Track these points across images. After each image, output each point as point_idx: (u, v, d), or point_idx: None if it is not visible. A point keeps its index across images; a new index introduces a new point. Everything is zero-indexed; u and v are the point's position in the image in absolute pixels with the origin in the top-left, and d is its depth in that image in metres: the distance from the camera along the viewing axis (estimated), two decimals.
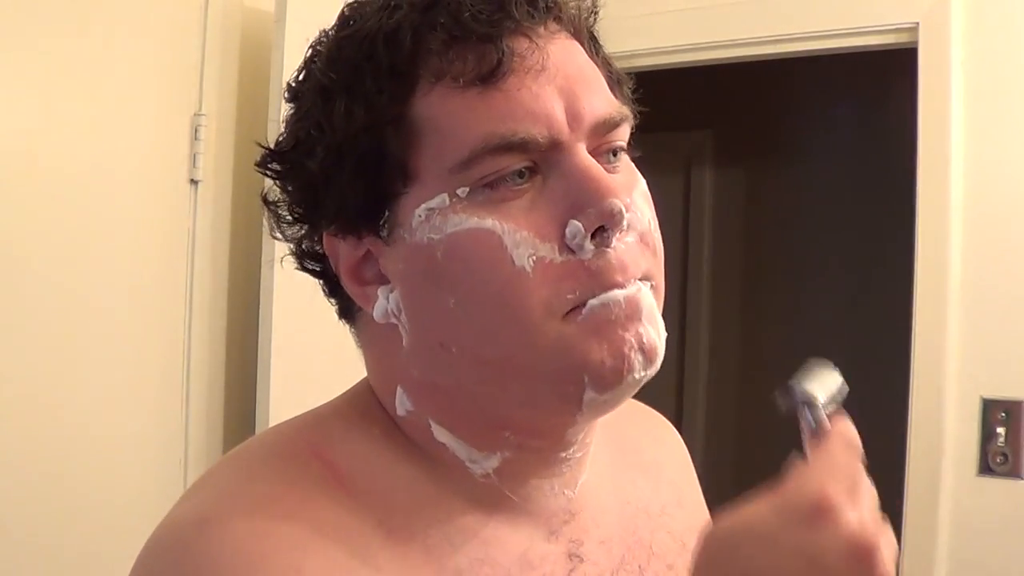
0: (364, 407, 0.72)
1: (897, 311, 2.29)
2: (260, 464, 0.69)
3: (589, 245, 0.65)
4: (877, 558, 0.55)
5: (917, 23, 2.16)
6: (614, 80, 0.74)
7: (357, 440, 0.70)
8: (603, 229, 0.65)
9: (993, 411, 2.07)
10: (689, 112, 3.69)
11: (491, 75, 0.65)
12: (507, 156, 0.65)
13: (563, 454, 0.71)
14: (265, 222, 0.74)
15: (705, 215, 3.83)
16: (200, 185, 2.03)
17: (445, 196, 0.65)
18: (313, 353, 1.83)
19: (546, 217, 0.65)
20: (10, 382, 1.75)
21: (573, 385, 0.65)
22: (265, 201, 0.73)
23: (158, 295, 1.98)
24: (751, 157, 3.77)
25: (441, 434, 0.70)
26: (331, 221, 0.69)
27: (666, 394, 3.74)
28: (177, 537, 0.63)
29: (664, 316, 0.69)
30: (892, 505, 2.31)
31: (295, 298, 1.85)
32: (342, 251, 0.70)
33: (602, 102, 0.69)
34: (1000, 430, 2.06)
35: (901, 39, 2.22)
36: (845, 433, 0.62)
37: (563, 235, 0.64)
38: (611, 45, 0.74)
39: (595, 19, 0.74)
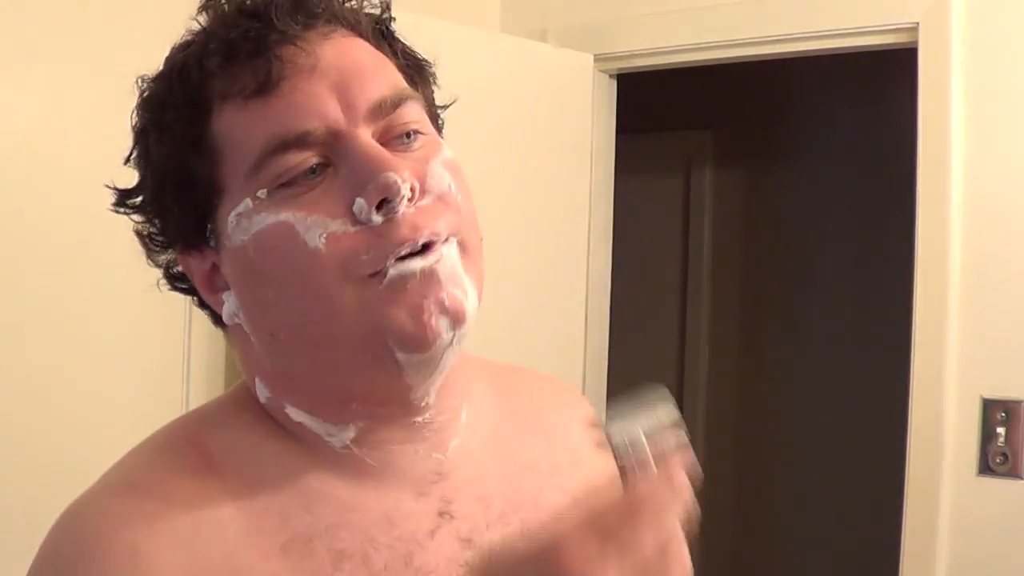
0: (240, 398, 0.79)
1: (897, 311, 2.29)
2: (141, 455, 0.77)
3: (376, 217, 0.69)
4: None
5: (917, 23, 2.16)
6: (410, 67, 0.79)
7: (231, 427, 0.77)
8: (386, 201, 0.69)
9: (993, 411, 2.07)
10: (689, 112, 3.70)
11: (266, 84, 0.71)
12: (291, 153, 0.70)
13: (418, 419, 0.76)
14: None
15: (705, 215, 3.82)
16: None
17: (248, 200, 0.72)
18: None
19: (336, 200, 0.70)
20: (10, 381, 1.75)
21: (381, 349, 0.70)
22: (138, 235, 0.80)
23: (158, 295, 1.97)
24: (751, 157, 3.77)
25: (297, 415, 0.75)
26: (176, 241, 0.78)
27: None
28: (56, 523, 0.72)
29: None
30: (892, 505, 2.29)
31: None
32: (193, 266, 0.77)
33: (377, 87, 0.73)
34: (1000, 430, 2.06)
35: (901, 39, 2.22)
36: (669, 476, 0.66)
37: (352, 212, 0.70)
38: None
39: (386, 15, 0.80)
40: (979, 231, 2.10)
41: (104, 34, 1.88)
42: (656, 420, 0.68)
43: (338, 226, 0.69)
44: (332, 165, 0.71)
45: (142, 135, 0.77)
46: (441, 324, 0.70)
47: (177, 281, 0.81)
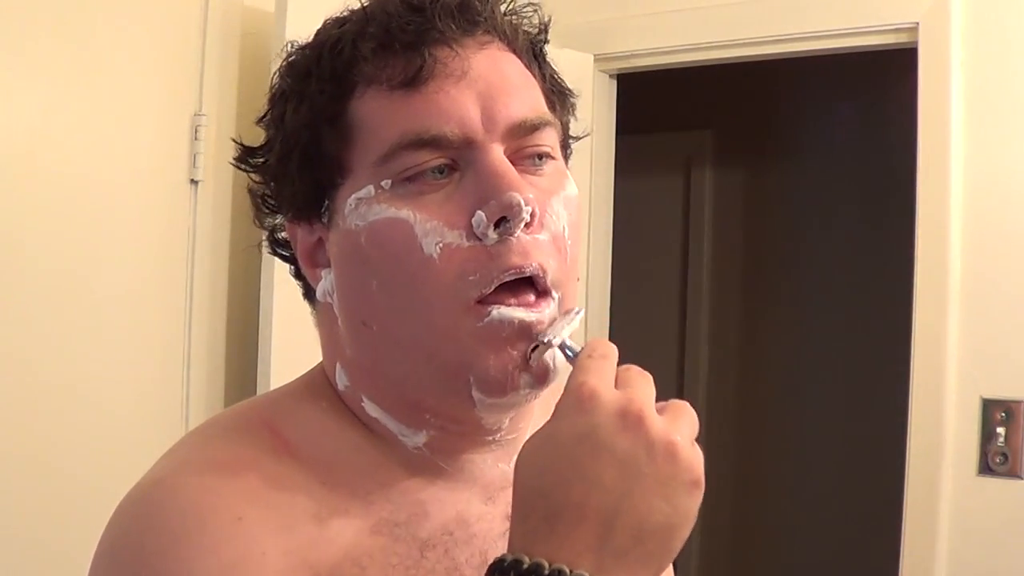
0: (315, 385, 0.80)
1: (897, 311, 2.29)
2: (215, 434, 0.77)
3: (493, 234, 0.70)
4: (647, 419, 0.62)
5: (917, 23, 2.16)
6: (553, 93, 0.80)
7: (305, 413, 0.78)
8: (505, 220, 0.70)
9: (993, 411, 2.07)
10: (689, 112, 3.70)
11: (414, 79, 0.72)
12: (422, 151, 0.71)
13: (489, 437, 0.77)
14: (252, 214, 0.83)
15: (705, 215, 3.82)
16: (200, 185, 2.03)
17: (371, 187, 0.73)
18: (313, 353, 1.83)
19: (457, 208, 0.71)
20: (10, 381, 1.75)
21: (461, 381, 0.71)
22: (250, 192, 0.81)
23: (158, 295, 1.98)
24: (751, 157, 3.77)
25: (372, 409, 0.77)
26: (288, 209, 0.78)
27: (666, 393, 3.72)
28: (136, 497, 0.71)
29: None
30: (892, 505, 2.29)
31: (295, 298, 1.84)
32: (299, 236, 0.78)
33: (521, 107, 0.74)
34: (1000, 430, 2.06)
35: (901, 39, 2.22)
36: (591, 347, 0.68)
37: (471, 224, 0.70)
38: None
39: (542, 36, 0.80)
40: (979, 231, 2.10)
41: (104, 34, 1.88)
42: (571, 323, 0.73)
43: (454, 237, 0.70)
44: (459, 171, 0.72)
45: (280, 99, 0.77)
46: (523, 380, 0.71)
47: (279, 247, 0.82)
